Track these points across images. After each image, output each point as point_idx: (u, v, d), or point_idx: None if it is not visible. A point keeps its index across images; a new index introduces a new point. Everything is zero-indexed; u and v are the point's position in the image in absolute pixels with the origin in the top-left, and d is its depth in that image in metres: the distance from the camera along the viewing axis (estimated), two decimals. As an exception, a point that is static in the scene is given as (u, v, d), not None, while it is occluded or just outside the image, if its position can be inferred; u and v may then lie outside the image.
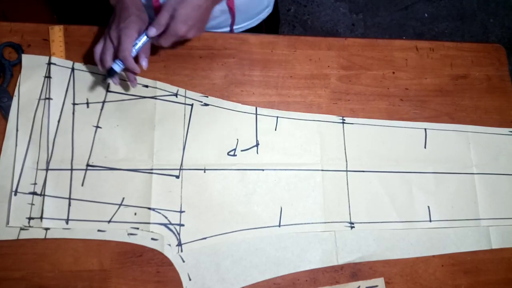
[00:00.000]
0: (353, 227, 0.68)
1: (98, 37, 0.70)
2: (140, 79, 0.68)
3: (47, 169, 0.62)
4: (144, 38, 0.61)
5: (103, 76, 0.67)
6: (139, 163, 0.65)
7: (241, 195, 0.66)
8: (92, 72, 0.67)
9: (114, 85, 0.66)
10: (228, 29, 0.83)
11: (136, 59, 0.62)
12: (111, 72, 0.61)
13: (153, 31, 0.61)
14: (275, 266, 0.64)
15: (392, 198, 0.70)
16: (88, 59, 0.68)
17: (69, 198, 0.62)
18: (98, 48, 0.62)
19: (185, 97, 0.69)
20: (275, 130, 0.70)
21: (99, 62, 0.62)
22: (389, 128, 0.74)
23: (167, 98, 0.69)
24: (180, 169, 0.66)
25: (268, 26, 0.91)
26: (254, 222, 0.65)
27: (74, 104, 0.66)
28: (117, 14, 0.62)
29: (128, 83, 0.66)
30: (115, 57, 0.61)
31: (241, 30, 0.86)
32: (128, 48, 0.59)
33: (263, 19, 0.88)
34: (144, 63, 0.63)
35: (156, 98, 0.68)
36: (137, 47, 0.61)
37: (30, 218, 0.60)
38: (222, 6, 0.76)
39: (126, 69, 0.62)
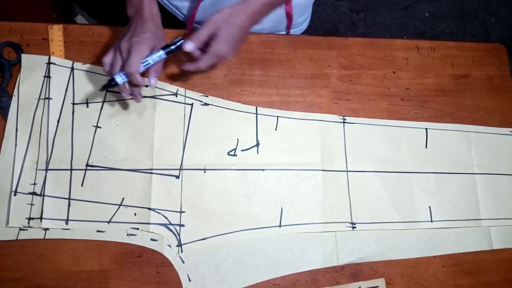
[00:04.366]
0: (355, 227, 0.67)
1: (98, 37, 0.70)
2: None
3: (46, 169, 0.62)
4: (156, 57, 0.59)
5: (103, 84, 0.63)
6: (139, 163, 0.65)
7: (242, 195, 0.66)
8: (91, 72, 0.67)
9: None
10: (284, 32, 0.85)
11: (145, 74, 0.59)
12: (112, 83, 0.59)
13: (190, 46, 0.59)
14: (276, 267, 0.64)
15: (393, 198, 0.70)
16: (88, 59, 0.68)
17: (69, 198, 0.62)
18: (107, 59, 0.60)
19: (185, 96, 0.69)
20: (276, 130, 0.70)
21: (109, 74, 0.60)
22: (390, 128, 0.74)
23: (167, 97, 0.68)
24: (180, 169, 0.65)
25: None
26: (255, 222, 0.65)
27: (73, 104, 0.66)
28: (132, 26, 0.60)
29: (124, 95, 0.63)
30: (122, 69, 0.58)
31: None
32: (135, 64, 0.56)
33: (304, 29, 0.90)
34: (152, 81, 0.61)
35: (156, 98, 0.68)
36: (145, 64, 0.58)
37: (29, 219, 0.60)
38: (281, 12, 0.78)
39: (130, 84, 0.60)
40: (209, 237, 0.63)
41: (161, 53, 0.60)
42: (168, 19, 0.82)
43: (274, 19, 0.80)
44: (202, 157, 0.67)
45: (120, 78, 0.58)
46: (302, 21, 0.87)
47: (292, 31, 0.87)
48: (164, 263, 0.62)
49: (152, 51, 0.59)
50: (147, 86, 0.67)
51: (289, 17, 0.80)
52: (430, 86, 0.78)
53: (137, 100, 0.64)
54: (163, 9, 0.81)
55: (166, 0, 0.81)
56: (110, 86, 0.59)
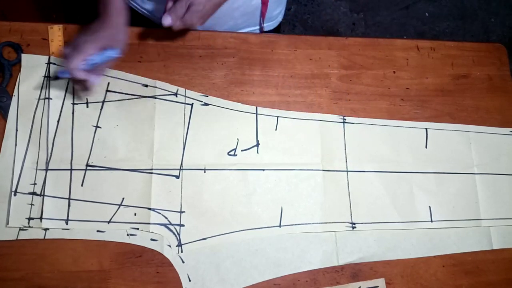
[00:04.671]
0: (355, 227, 0.67)
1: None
2: (140, 79, 0.68)
3: (46, 169, 0.62)
4: (106, 58, 0.61)
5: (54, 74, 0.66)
6: (139, 163, 0.64)
7: (242, 195, 0.66)
8: (91, 72, 0.67)
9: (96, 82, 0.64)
10: (258, 27, 0.85)
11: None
12: (56, 76, 0.63)
13: (168, 21, 0.63)
14: (275, 267, 0.64)
15: (393, 198, 0.70)
16: (88, 59, 0.68)
17: (69, 198, 0.62)
18: (66, 50, 0.62)
19: (185, 96, 0.69)
20: (276, 129, 0.70)
21: (64, 64, 0.62)
22: (390, 128, 0.74)
23: (167, 97, 0.68)
24: (180, 169, 0.65)
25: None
26: (255, 222, 0.65)
27: (73, 104, 0.66)
28: (95, 23, 0.62)
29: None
30: None
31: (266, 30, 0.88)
32: (74, 62, 0.58)
33: (280, 21, 0.91)
34: (93, 79, 0.62)
35: (156, 98, 0.68)
36: (92, 62, 0.60)
37: (29, 219, 0.60)
38: (255, 3, 0.79)
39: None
40: (209, 237, 0.63)
41: (109, 53, 0.61)
42: (144, 23, 0.82)
43: (247, 13, 0.81)
44: (202, 157, 0.67)
45: (62, 73, 0.61)
46: (277, 13, 0.88)
47: (267, 24, 0.87)
48: (164, 263, 0.62)
49: (102, 51, 0.60)
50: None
51: (264, 1, 0.81)
52: (430, 86, 0.78)
53: (87, 94, 0.65)
54: (137, 14, 0.82)
55: (137, 5, 0.81)
56: (56, 79, 0.64)
